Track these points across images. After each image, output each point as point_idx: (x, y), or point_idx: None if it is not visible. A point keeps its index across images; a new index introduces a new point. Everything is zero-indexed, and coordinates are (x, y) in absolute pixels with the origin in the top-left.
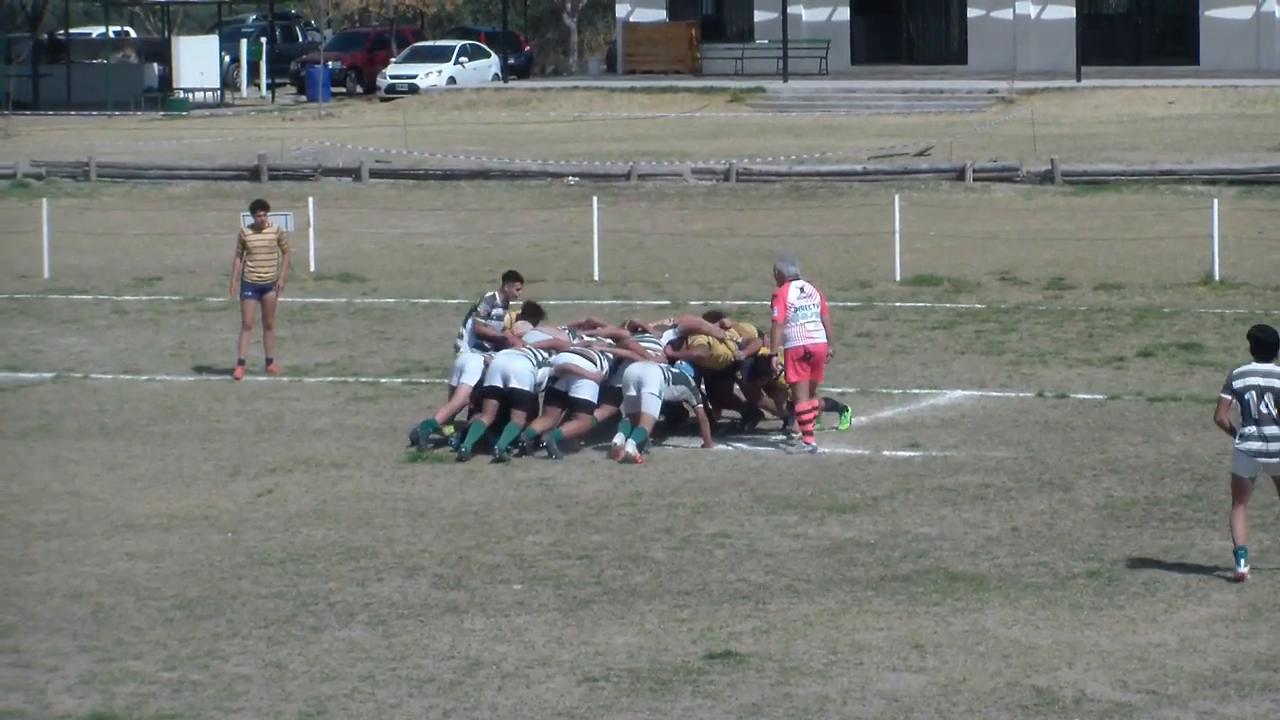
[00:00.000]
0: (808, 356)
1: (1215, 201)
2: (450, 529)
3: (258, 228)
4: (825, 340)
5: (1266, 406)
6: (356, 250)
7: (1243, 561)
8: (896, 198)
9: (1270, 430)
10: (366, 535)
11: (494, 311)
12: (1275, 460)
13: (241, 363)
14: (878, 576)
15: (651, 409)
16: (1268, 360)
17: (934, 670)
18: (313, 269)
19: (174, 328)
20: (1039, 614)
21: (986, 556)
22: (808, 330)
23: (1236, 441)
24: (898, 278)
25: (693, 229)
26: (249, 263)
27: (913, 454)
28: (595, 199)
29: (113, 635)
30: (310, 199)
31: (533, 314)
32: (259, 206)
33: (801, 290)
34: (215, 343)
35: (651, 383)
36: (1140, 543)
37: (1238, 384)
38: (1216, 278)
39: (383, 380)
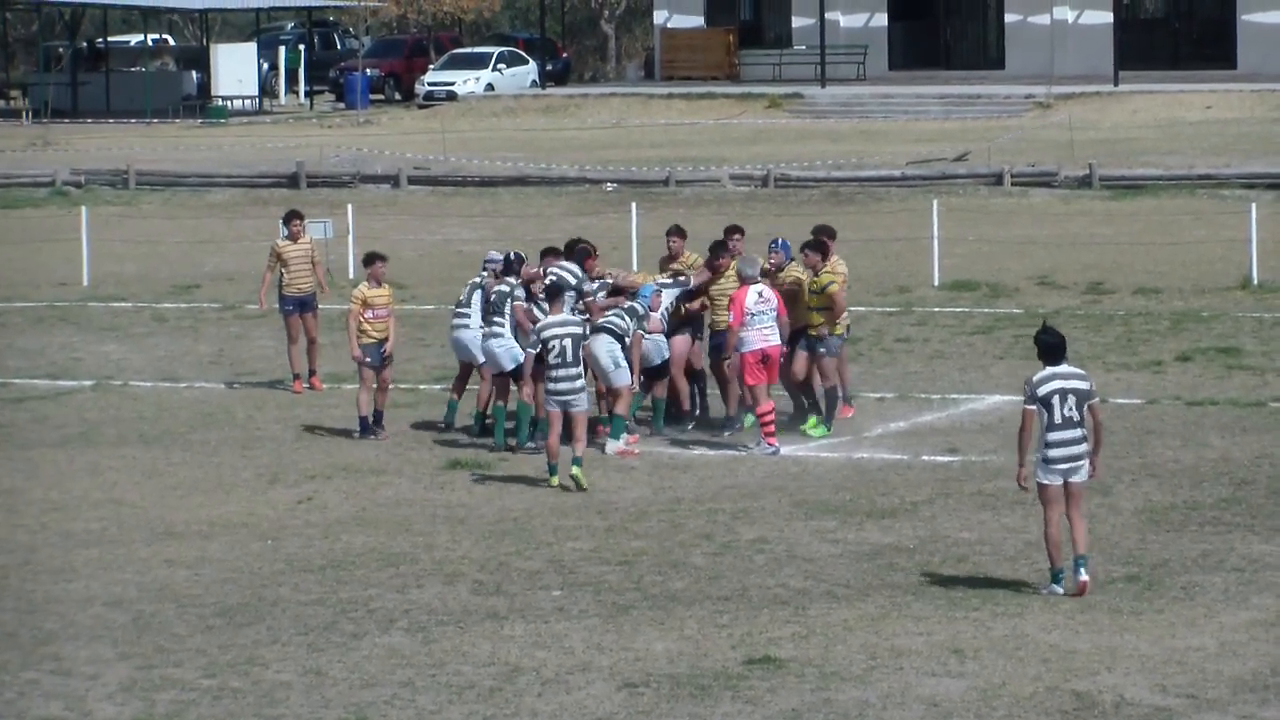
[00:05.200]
0: (765, 359)
1: (1253, 206)
2: (490, 535)
3: (294, 238)
4: (780, 342)
5: (1069, 409)
6: (395, 257)
7: (1082, 570)
8: (935, 203)
9: (1072, 434)
10: (406, 542)
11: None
12: (1078, 465)
13: (298, 376)
14: (917, 582)
15: (621, 381)
16: (1059, 363)
17: (974, 675)
18: (351, 276)
19: (213, 335)
20: (1078, 618)
21: (1026, 561)
22: (764, 334)
23: (1041, 450)
24: (936, 283)
25: None
26: (287, 275)
27: (952, 459)
28: (634, 205)
29: (153, 642)
30: (349, 206)
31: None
32: (294, 216)
33: (760, 295)
34: (254, 350)
35: (603, 355)
36: (1179, 547)
37: (1042, 390)
38: (1255, 282)
39: (421, 387)
